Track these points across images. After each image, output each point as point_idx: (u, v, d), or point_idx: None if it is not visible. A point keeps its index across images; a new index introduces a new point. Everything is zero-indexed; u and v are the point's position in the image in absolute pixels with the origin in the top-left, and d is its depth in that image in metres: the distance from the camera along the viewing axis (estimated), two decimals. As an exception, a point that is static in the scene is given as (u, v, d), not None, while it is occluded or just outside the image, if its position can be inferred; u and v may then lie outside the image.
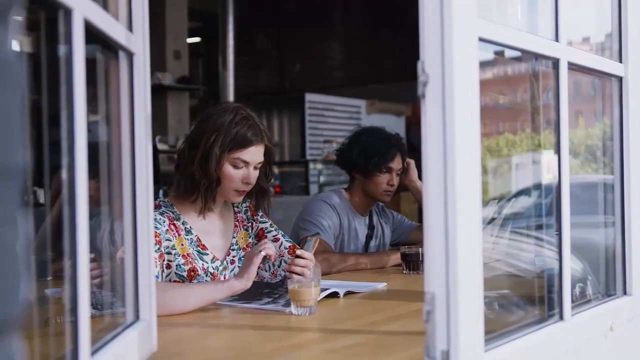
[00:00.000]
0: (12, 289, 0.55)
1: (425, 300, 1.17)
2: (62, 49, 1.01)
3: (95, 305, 1.32)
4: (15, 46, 0.59)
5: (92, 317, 1.06)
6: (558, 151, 1.51)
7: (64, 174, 1.01)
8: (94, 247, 1.13)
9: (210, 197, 2.19)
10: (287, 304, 1.90)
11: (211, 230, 2.27)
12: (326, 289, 2.06)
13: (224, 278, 2.23)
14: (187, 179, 2.18)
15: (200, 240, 2.21)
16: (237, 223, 2.36)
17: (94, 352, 1.08)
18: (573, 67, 1.56)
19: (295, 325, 1.77)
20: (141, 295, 1.37)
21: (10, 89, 0.55)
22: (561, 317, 1.50)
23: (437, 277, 1.16)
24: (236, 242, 2.32)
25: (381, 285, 2.33)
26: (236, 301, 1.99)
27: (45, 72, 1.08)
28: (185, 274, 2.14)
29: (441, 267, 1.16)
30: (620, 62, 1.79)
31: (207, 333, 1.73)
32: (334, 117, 8.18)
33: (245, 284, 1.92)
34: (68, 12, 0.98)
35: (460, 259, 1.15)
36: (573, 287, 1.61)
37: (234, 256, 2.31)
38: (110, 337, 1.22)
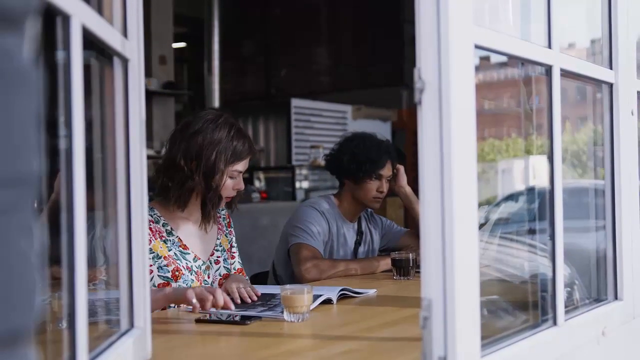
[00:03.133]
0: (28, 297, 0.55)
1: (422, 307, 1.17)
2: (59, 55, 1.00)
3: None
4: (30, 53, 0.59)
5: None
6: (551, 156, 1.52)
7: (61, 181, 1.00)
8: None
9: (214, 210, 2.29)
10: (277, 312, 1.89)
11: (194, 232, 2.32)
12: (320, 296, 2.06)
13: (208, 277, 2.30)
14: (188, 192, 2.22)
15: (181, 241, 2.26)
16: (220, 226, 2.43)
17: (91, 361, 1.07)
18: (565, 73, 1.57)
19: (288, 332, 1.76)
20: (136, 303, 1.36)
21: (27, 97, 0.55)
22: (555, 322, 1.51)
23: (434, 283, 1.16)
24: (220, 243, 2.39)
25: (372, 292, 2.33)
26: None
27: (41, 77, 1.07)
28: (169, 274, 2.19)
29: (438, 273, 1.16)
30: (611, 68, 1.81)
31: (201, 341, 1.72)
32: (320, 122, 8.17)
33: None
34: (66, 19, 0.98)
35: (458, 265, 1.15)
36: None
37: (218, 256, 2.37)
38: (106, 345, 1.21)
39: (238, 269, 2.42)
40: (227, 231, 2.45)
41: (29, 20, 0.58)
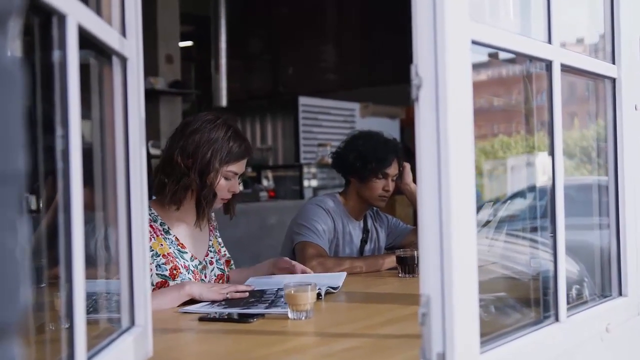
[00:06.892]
0: (12, 293, 0.56)
1: (420, 303, 1.17)
2: (55, 54, 1.01)
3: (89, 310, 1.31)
4: (14, 52, 0.59)
5: (87, 322, 1.06)
6: (552, 152, 1.52)
7: (59, 181, 1.01)
8: (88, 254, 1.13)
9: (208, 208, 2.31)
10: (286, 306, 1.89)
11: (189, 233, 2.35)
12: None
13: (205, 277, 2.35)
14: (183, 189, 2.25)
15: (178, 240, 2.30)
16: (211, 228, 2.48)
17: (90, 358, 1.08)
18: (566, 68, 1.56)
19: (291, 330, 1.76)
20: (136, 300, 1.37)
21: (10, 95, 0.56)
22: (557, 319, 1.50)
23: (433, 280, 1.16)
24: (212, 244, 2.44)
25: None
26: (227, 307, 1.98)
27: (37, 77, 1.08)
28: (167, 272, 2.22)
29: (436, 269, 1.16)
30: (614, 63, 1.80)
31: (203, 339, 1.73)
32: (327, 120, 8.18)
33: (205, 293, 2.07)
34: (62, 18, 0.98)
35: (455, 261, 1.15)
36: (569, 289, 1.62)
37: (211, 257, 2.42)
38: (106, 343, 1.21)
39: (218, 274, 2.43)
40: (216, 234, 2.50)
41: (12, 20, 0.59)
